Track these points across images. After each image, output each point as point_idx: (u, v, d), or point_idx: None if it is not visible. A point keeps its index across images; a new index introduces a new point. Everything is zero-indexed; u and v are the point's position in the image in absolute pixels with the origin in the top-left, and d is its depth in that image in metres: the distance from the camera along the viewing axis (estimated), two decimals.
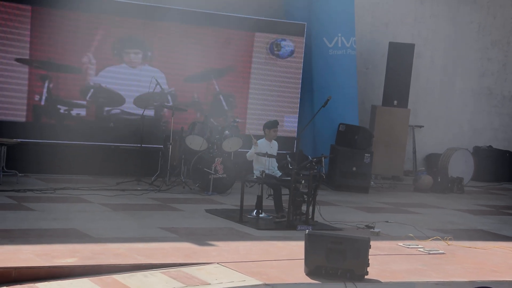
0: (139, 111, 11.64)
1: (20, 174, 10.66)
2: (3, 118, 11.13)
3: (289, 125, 13.05)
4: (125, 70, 11.87)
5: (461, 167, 14.02)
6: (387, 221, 9.80)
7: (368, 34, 14.55)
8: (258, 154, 9.44)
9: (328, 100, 9.94)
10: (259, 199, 9.36)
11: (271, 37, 12.87)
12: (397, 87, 13.66)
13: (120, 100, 11.90)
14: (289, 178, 9.06)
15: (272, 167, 9.55)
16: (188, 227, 8.54)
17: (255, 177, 9.45)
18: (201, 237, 7.98)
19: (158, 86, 11.45)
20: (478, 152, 15.21)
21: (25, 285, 6.06)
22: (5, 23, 11.03)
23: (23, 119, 11.25)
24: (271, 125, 9.70)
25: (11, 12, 11.06)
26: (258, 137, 9.83)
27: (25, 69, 11.20)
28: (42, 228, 7.86)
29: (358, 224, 9.38)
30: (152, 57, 12.02)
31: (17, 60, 11.15)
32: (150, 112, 11.93)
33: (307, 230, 6.81)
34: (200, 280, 6.34)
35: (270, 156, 9.38)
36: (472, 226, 10.20)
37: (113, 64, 11.80)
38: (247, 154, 9.68)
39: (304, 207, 9.13)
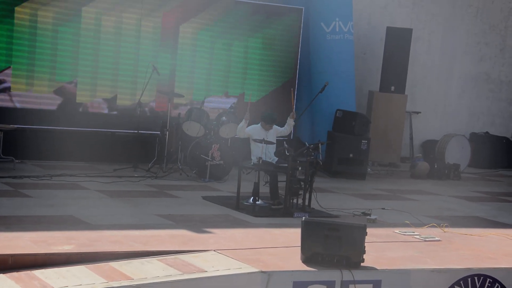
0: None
1: (17, 161, 10.65)
2: (0, 104, 11.10)
3: (286, 110, 13.01)
4: None
5: (458, 153, 14.02)
6: (384, 208, 9.81)
7: (366, 18, 14.50)
8: (255, 140, 9.42)
9: (325, 86, 9.94)
10: (256, 186, 9.36)
11: (269, 21, 12.80)
12: (394, 72, 13.64)
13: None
14: (286, 165, 9.06)
15: (269, 153, 9.53)
16: (185, 214, 8.55)
17: (252, 163, 9.44)
18: (198, 224, 7.99)
19: (155, 71, 11.41)
20: (475, 138, 15.21)
21: (21, 272, 6.07)
22: None
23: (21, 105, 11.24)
24: (268, 120, 9.55)
25: None
26: (253, 124, 9.79)
27: None
28: (38, 215, 7.86)
29: (354, 211, 9.39)
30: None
31: None
32: (147, 98, 11.89)
33: (303, 217, 6.81)
34: (196, 267, 6.35)
35: (267, 142, 9.36)
36: (469, 213, 10.22)
37: None
38: (237, 128, 9.58)
39: (300, 194, 9.13)
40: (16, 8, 11.07)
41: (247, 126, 9.50)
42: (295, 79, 13.08)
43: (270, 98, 12.83)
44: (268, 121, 9.54)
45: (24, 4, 11.11)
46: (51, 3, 11.27)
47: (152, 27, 11.98)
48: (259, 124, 9.63)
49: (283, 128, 9.70)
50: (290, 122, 9.68)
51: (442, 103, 15.55)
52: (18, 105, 11.20)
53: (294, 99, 9.66)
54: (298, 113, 12.65)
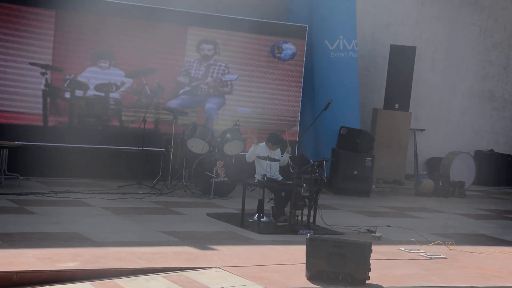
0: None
1: (22, 178, 10.66)
2: (5, 121, 11.13)
3: (290, 128, 13.03)
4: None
5: (463, 171, 14.01)
6: (389, 226, 9.79)
7: (370, 36, 14.55)
8: (259, 157, 9.44)
9: (329, 103, 9.94)
10: (261, 203, 9.35)
11: (273, 40, 12.86)
12: (398, 90, 13.66)
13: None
14: (291, 182, 9.06)
15: (273, 171, 9.54)
16: (190, 231, 8.54)
17: (256, 180, 9.44)
18: (203, 241, 7.97)
19: (160, 88, 11.45)
20: (480, 156, 15.20)
21: None
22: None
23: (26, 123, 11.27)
24: (276, 142, 9.57)
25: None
26: (258, 140, 9.82)
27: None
28: (43, 231, 7.86)
29: (359, 228, 9.37)
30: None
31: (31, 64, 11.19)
32: (151, 115, 11.91)
33: (308, 235, 6.80)
34: (201, 284, 6.33)
35: (272, 159, 9.38)
36: (474, 230, 10.19)
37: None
38: (247, 155, 9.66)
39: (305, 211, 9.12)
40: None
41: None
42: (299, 97, 13.11)
43: (274, 116, 12.83)
44: (275, 142, 9.58)
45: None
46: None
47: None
48: (264, 143, 9.65)
49: (281, 157, 9.69)
50: (286, 157, 9.69)
51: (446, 120, 15.56)
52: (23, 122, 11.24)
53: (287, 137, 9.72)
54: (302, 130, 12.72)
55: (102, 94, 11.76)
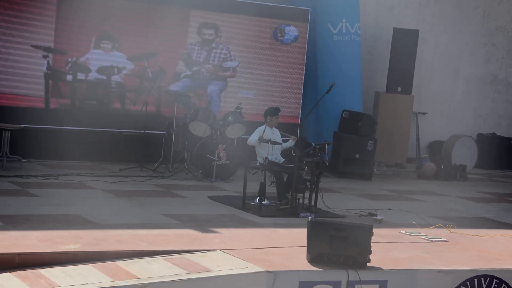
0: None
1: (24, 160, 10.68)
2: (7, 103, 11.13)
3: (293, 111, 13.03)
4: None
5: (465, 154, 13.99)
6: (390, 209, 9.80)
7: (373, 19, 14.49)
8: (261, 140, 9.43)
9: (331, 86, 9.92)
10: (262, 186, 9.36)
11: (275, 23, 12.82)
12: (401, 73, 13.62)
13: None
14: (292, 165, 9.06)
15: (275, 154, 9.54)
16: (191, 214, 8.55)
17: (258, 164, 9.45)
18: (204, 224, 7.99)
19: (161, 71, 11.43)
20: (482, 139, 15.18)
21: (28, 270, 6.09)
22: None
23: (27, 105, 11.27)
24: (273, 112, 9.70)
25: None
26: (260, 124, 9.82)
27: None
28: (45, 214, 7.87)
29: (360, 211, 9.38)
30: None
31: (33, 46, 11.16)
32: (152, 97, 11.91)
33: (309, 217, 6.81)
34: (202, 267, 6.35)
35: (274, 142, 9.38)
36: (475, 213, 10.20)
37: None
38: (249, 139, 9.66)
39: (307, 194, 9.13)
40: None
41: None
42: (301, 80, 13.08)
43: (276, 98, 12.82)
44: (274, 113, 9.59)
45: None
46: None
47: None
48: (263, 126, 9.64)
49: (286, 144, 9.70)
50: (291, 142, 9.69)
51: (449, 104, 15.52)
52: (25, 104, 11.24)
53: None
54: (304, 113, 12.71)
55: (104, 77, 11.74)
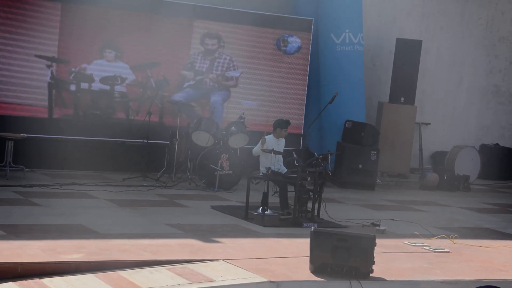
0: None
1: (27, 169, 10.69)
2: (11, 113, 11.15)
3: (295, 121, 13.03)
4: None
5: (468, 165, 13.98)
6: (393, 219, 9.78)
7: (376, 29, 14.52)
8: (264, 150, 9.44)
9: (334, 96, 9.94)
10: (265, 196, 9.36)
11: (278, 33, 12.85)
12: (404, 83, 13.63)
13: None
14: (295, 175, 9.06)
15: (278, 164, 9.55)
16: (194, 224, 8.55)
17: (261, 174, 9.45)
18: (207, 234, 7.99)
19: (165, 81, 11.46)
20: (485, 150, 15.17)
21: (30, 280, 6.08)
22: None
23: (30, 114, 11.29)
24: (283, 125, 9.68)
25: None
26: (263, 134, 9.83)
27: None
28: (48, 223, 7.88)
29: (363, 221, 9.37)
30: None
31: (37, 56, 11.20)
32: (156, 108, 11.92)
33: (312, 228, 6.80)
34: (205, 277, 6.35)
35: (276, 153, 9.38)
36: (478, 224, 10.18)
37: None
38: (253, 150, 9.68)
39: (309, 204, 9.12)
40: None
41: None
42: (304, 90, 13.10)
43: (279, 109, 12.83)
44: (284, 126, 9.61)
45: None
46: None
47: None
48: (271, 135, 9.66)
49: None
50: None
51: (452, 114, 15.52)
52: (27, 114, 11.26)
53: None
54: (307, 123, 12.71)
55: (107, 87, 11.77)
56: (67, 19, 11.36)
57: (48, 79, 11.35)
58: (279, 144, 9.64)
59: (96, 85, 11.70)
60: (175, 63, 12.21)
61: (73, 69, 11.51)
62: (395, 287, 6.64)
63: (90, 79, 11.64)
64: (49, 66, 11.33)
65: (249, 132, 11.34)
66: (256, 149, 9.60)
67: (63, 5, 11.31)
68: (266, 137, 9.61)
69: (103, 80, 11.72)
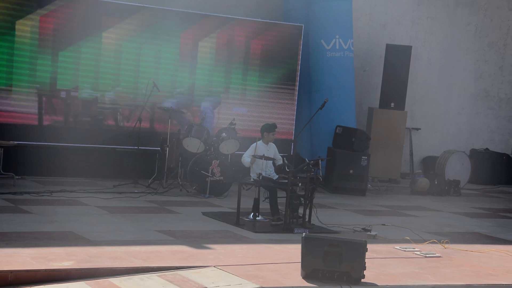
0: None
1: (17, 177, 10.65)
2: (0, 120, 11.11)
3: (286, 127, 13.05)
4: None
5: (458, 169, 14.04)
6: (384, 224, 9.80)
7: (366, 35, 14.57)
8: (255, 156, 9.44)
9: (325, 102, 9.95)
10: (256, 202, 9.36)
11: (269, 39, 12.87)
12: (394, 89, 13.68)
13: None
14: (286, 181, 9.06)
15: (269, 170, 9.55)
16: (185, 230, 8.54)
17: (252, 179, 9.45)
18: (198, 240, 7.98)
19: (155, 88, 11.45)
20: (475, 155, 15.23)
21: None
22: None
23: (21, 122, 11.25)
24: (270, 129, 9.71)
25: None
26: (254, 140, 9.84)
27: None
28: (38, 231, 7.85)
29: (355, 227, 9.38)
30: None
31: None
32: (147, 114, 11.91)
33: (304, 233, 6.81)
34: (196, 283, 6.33)
35: (267, 158, 9.38)
36: (469, 229, 10.21)
37: None
38: (242, 159, 9.65)
39: (301, 210, 9.13)
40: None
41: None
42: (295, 96, 13.12)
43: (269, 115, 12.84)
44: (271, 130, 9.62)
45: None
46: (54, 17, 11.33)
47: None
48: (260, 141, 9.66)
49: (279, 158, 9.71)
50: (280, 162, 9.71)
51: (442, 119, 15.58)
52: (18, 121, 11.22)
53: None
54: (298, 129, 12.72)
55: (97, 94, 11.75)
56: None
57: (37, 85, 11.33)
58: (269, 150, 9.65)
59: (86, 92, 11.68)
60: (166, 69, 12.20)
61: None
62: None
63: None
64: None
65: (240, 138, 11.35)
66: (246, 160, 9.55)
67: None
68: (254, 143, 9.61)
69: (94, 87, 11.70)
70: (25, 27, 11.16)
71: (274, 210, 9.29)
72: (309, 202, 9.14)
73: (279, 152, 9.88)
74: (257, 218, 9.33)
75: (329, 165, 12.53)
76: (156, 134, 11.89)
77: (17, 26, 11.12)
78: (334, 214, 10.32)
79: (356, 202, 11.72)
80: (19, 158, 11.11)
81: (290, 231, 8.84)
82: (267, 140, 9.69)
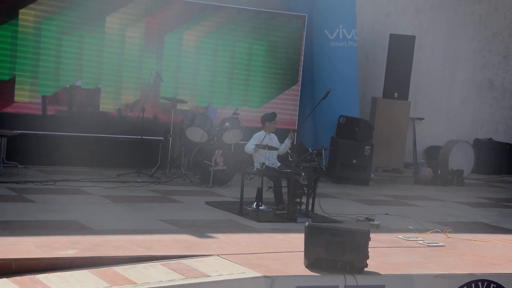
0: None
1: (21, 166, 10.67)
2: (4, 109, 11.12)
3: (289, 117, 13.04)
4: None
5: (462, 159, 14.02)
6: (387, 214, 9.80)
7: (369, 25, 14.52)
8: (258, 146, 9.44)
9: (328, 92, 9.94)
10: (259, 191, 9.37)
11: (272, 29, 12.83)
12: (397, 79, 13.65)
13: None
14: (289, 170, 9.06)
15: (272, 159, 9.55)
16: (188, 219, 8.55)
17: (255, 169, 9.45)
18: (201, 229, 7.99)
19: (158, 78, 11.44)
20: (479, 145, 15.21)
21: (25, 276, 6.08)
22: None
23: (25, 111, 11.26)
24: (271, 118, 9.70)
25: None
26: (257, 130, 9.84)
27: None
28: (42, 219, 7.87)
29: (358, 216, 9.39)
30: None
31: None
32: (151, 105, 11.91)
33: (307, 223, 6.81)
34: (200, 272, 6.35)
35: (270, 148, 9.39)
36: (472, 218, 10.21)
37: None
38: (246, 147, 9.66)
39: (304, 200, 9.13)
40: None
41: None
42: (298, 86, 13.10)
43: (273, 105, 12.84)
44: (272, 119, 9.60)
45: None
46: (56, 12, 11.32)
47: (142, 33, 12.02)
48: (261, 131, 9.66)
49: (281, 145, 9.69)
50: (288, 142, 9.65)
51: (446, 109, 15.55)
52: (22, 111, 11.23)
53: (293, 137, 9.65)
54: (301, 119, 12.71)
55: (100, 84, 11.74)
56: None
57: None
58: (271, 139, 9.64)
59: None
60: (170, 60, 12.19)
61: None
62: (389, 282, 6.66)
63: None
64: None
65: (243, 128, 11.34)
66: (249, 147, 9.56)
67: None
68: (256, 134, 9.61)
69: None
70: (28, 17, 11.14)
71: (279, 199, 9.30)
72: (312, 192, 9.14)
73: (284, 142, 9.85)
74: (260, 207, 9.34)
75: (332, 155, 12.52)
76: (160, 124, 11.89)
77: (20, 16, 11.10)
78: (337, 204, 10.32)
79: (359, 192, 11.72)
80: (22, 147, 11.12)
81: (293, 220, 8.85)
82: (269, 130, 9.68)
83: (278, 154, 9.70)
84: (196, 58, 12.31)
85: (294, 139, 9.74)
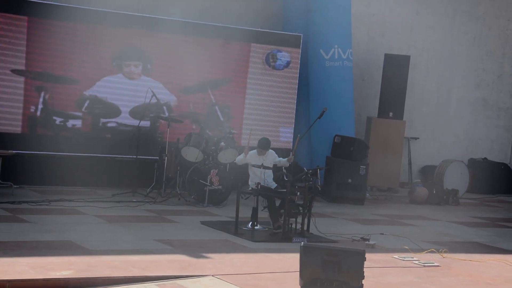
0: (135, 122, 11.62)
1: (15, 186, 10.64)
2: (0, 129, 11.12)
3: (285, 136, 13.06)
4: (121, 80, 11.87)
5: (457, 179, 14.04)
6: (382, 233, 9.79)
7: (364, 45, 14.60)
8: (253, 165, 9.45)
9: (323, 111, 9.97)
10: (255, 211, 9.36)
11: (267, 48, 12.90)
12: (392, 98, 13.70)
13: (116, 112, 11.89)
14: (285, 190, 9.07)
15: (267, 179, 9.56)
16: (183, 239, 8.53)
17: (250, 189, 9.45)
18: (196, 249, 7.97)
19: (154, 97, 11.47)
20: (474, 164, 15.24)
21: None
22: (1, 34, 11.05)
23: (19, 130, 11.24)
24: (263, 147, 9.67)
25: (7, 22, 11.07)
26: (251, 150, 9.85)
27: (21, 80, 11.20)
28: (37, 240, 7.84)
29: (353, 236, 9.38)
30: (150, 68, 12.04)
31: (13, 71, 11.16)
32: (146, 124, 11.92)
33: (302, 242, 6.80)
34: None
35: (265, 167, 9.40)
36: (468, 238, 10.20)
37: (109, 74, 11.80)
38: (236, 159, 9.69)
39: (299, 219, 9.12)
40: None
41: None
42: (293, 105, 13.13)
43: (268, 123, 12.86)
44: (262, 147, 9.62)
45: None
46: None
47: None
48: (255, 151, 9.69)
49: (283, 159, 9.75)
50: (285, 163, 9.73)
51: (441, 129, 15.59)
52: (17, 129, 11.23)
53: (296, 144, 9.78)
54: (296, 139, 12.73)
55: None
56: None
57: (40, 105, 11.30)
58: (265, 160, 9.64)
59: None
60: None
61: (84, 93, 11.51)
62: None
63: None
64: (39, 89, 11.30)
65: (238, 147, 11.35)
66: (239, 159, 9.61)
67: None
68: (250, 151, 9.64)
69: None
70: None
71: (274, 218, 9.29)
72: (308, 211, 9.14)
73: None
74: (256, 227, 9.33)
75: (327, 174, 12.53)
76: (155, 143, 11.89)
77: None
78: (333, 223, 10.31)
79: (355, 211, 11.72)
80: (17, 167, 11.10)
81: (289, 240, 8.83)
82: (260, 154, 9.68)
83: (276, 165, 9.70)
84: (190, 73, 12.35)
85: (291, 161, 9.77)
